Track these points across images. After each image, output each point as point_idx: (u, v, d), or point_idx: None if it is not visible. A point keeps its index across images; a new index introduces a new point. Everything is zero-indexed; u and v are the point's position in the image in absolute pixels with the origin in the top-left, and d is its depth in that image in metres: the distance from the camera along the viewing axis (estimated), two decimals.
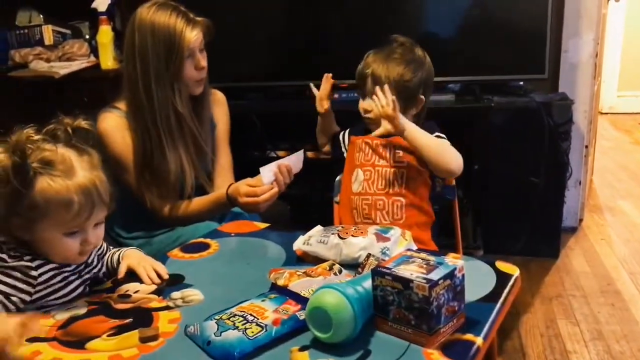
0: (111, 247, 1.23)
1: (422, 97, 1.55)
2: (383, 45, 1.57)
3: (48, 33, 2.57)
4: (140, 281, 1.13)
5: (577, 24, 2.64)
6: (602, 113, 4.88)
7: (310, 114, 2.72)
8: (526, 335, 2.00)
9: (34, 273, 1.00)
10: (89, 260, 1.12)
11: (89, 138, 1.04)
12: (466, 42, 2.52)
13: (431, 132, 1.51)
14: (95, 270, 1.14)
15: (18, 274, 0.98)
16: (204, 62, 1.55)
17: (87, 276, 1.11)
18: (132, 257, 1.19)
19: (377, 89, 1.43)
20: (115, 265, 1.19)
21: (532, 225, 2.52)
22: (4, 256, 0.99)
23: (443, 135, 1.54)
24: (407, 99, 1.51)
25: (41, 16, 2.63)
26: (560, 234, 2.62)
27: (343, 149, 1.69)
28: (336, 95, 2.65)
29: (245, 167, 2.05)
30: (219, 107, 1.74)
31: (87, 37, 2.66)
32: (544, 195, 2.48)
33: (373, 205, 1.51)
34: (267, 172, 1.44)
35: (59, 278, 1.04)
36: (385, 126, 1.49)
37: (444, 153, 1.46)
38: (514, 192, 2.52)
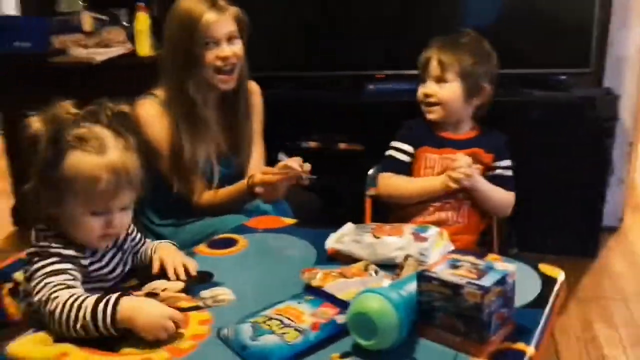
0: (147, 240, 1.22)
1: (487, 86, 1.55)
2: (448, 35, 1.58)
3: (87, 20, 2.59)
4: (168, 278, 1.10)
5: (625, 14, 2.53)
6: None
7: (342, 105, 2.70)
8: (561, 338, 1.96)
9: (83, 262, 1.01)
10: (129, 230, 1.13)
11: (128, 124, 1.05)
12: (506, 32, 2.43)
13: (502, 157, 1.55)
14: (134, 243, 1.16)
15: (70, 260, 0.99)
16: (226, 52, 1.50)
17: (125, 247, 1.12)
18: (164, 249, 1.18)
19: (459, 158, 1.44)
20: (147, 259, 1.18)
21: (571, 224, 2.45)
22: (46, 243, 0.99)
23: (511, 165, 1.57)
24: (471, 88, 1.52)
25: (81, 3, 2.65)
26: (600, 234, 2.54)
27: (399, 156, 1.60)
28: (371, 87, 2.62)
29: (277, 158, 2.04)
30: (252, 99, 1.72)
31: (125, 24, 2.67)
32: (584, 193, 2.41)
33: (440, 208, 1.52)
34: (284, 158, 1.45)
35: (102, 263, 1.06)
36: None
37: (501, 207, 1.56)
38: (552, 190, 2.45)
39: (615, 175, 2.60)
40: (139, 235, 1.20)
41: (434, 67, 1.51)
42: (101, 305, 0.89)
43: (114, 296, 0.91)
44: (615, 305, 2.14)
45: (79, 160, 0.96)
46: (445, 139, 1.55)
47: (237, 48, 1.54)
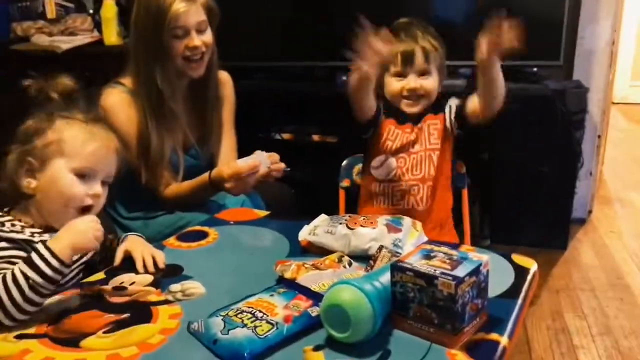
0: (112, 235, 1.19)
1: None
2: (395, 24, 1.52)
3: (51, 6, 2.51)
4: (136, 271, 1.07)
5: (594, 9, 2.57)
6: (613, 103, 4.81)
7: (315, 96, 2.68)
8: (532, 328, 1.98)
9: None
10: None
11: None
12: (479, 24, 2.45)
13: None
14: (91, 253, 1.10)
15: (21, 245, 0.97)
16: (196, 42, 1.47)
17: (83, 259, 1.08)
18: (130, 241, 1.15)
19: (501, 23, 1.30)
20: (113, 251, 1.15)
21: (541, 216, 2.48)
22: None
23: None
24: (443, 76, 1.51)
25: None
26: (570, 226, 2.58)
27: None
28: (344, 78, 2.60)
29: (249, 149, 1.97)
30: (223, 89, 1.69)
31: (91, 11, 2.59)
32: (554, 185, 2.44)
33: (407, 192, 1.50)
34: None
35: None
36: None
37: (501, 95, 1.44)
38: (523, 182, 2.48)
39: (584, 167, 2.63)
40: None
41: (419, 61, 1.46)
42: (38, 261, 0.88)
43: (38, 247, 0.91)
44: (584, 295, 2.18)
45: (70, 126, 1.02)
46: (406, 115, 1.52)
47: (206, 37, 1.50)
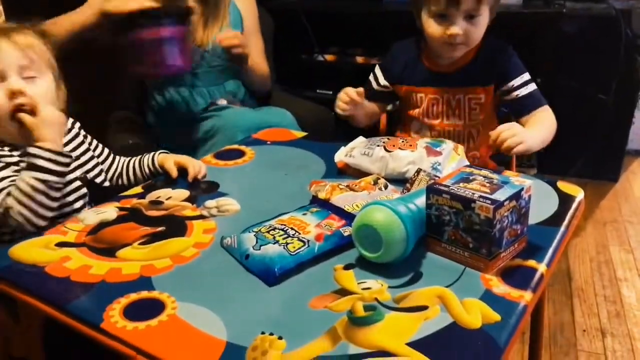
0: (120, 157, 1.22)
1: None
2: None
3: None
4: (173, 186, 1.09)
5: None
6: None
7: (360, 15, 2.56)
8: (574, 259, 1.94)
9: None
10: (77, 153, 1.11)
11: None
12: None
13: (514, 74, 1.30)
14: (85, 168, 1.12)
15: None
16: None
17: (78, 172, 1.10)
18: (177, 155, 1.17)
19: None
20: (150, 168, 1.17)
21: (594, 146, 2.37)
22: None
23: (529, 78, 1.33)
24: (494, 11, 1.27)
25: None
26: (624, 157, 2.47)
27: (378, 84, 1.43)
28: None
29: (292, 70, 1.92)
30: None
31: None
32: (610, 113, 2.31)
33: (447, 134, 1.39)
34: None
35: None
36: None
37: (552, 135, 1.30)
38: (577, 109, 2.35)
39: None
40: (99, 148, 1.19)
41: (468, 1, 1.20)
42: (43, 163, 0.95)
43: (35, 151, 0.95)
44: (633, 229, 2.11)
45: None
46: (433, 73, 1.34)
47: None
